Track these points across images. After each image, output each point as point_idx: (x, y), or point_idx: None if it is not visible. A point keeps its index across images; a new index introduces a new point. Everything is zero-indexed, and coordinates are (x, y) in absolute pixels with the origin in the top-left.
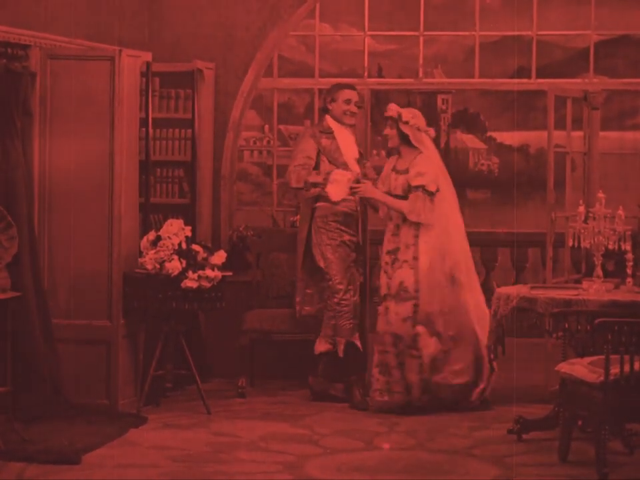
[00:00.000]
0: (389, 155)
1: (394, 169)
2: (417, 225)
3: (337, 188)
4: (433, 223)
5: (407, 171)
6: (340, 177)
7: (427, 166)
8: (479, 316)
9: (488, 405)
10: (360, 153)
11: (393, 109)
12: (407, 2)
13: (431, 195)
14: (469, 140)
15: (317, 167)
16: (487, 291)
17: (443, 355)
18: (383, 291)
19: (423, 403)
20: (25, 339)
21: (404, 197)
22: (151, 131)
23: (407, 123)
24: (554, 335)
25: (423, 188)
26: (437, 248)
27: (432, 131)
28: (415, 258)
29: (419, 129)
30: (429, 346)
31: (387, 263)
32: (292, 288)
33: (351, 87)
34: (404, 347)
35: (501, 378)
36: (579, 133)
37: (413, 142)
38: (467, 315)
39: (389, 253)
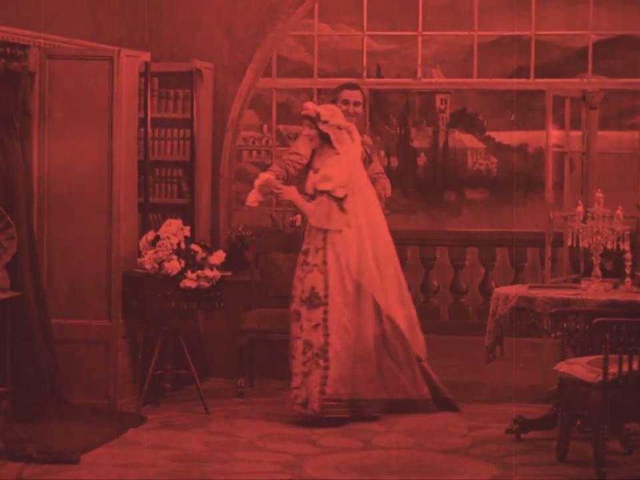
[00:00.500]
0: (368, 160)
1: (312, 168)
2: (325, 229)
3: (254, 192)
4: (340, 228)
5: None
6: (258, 181)
7: (337, 170)
8: (405, 324)
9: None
10: (367, 153)
11: (310, 108)
12: (406, 2)
13: (338, 200)
14: (467, 140)
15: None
16: (486, 291)
17: (350, 368)
18: (297, 294)
19: (324, 415)
20: (24, 338)
21: (313, 197)
22: (149, 130)
23: (326, 122)
24: (552, 334)
25: (328, 193)
26: (344, 253)
27: (352, 127)
28: (324, 262)
29: (339, 128)
30: (339, 357)
31: (299, 264)
32: (291, 287)
33: (352, 86)
34: (312, 355)
35: (500, 378)
36: (578, 133)
37: (334, 142)
38: (366, 327)
39: (302, 253)
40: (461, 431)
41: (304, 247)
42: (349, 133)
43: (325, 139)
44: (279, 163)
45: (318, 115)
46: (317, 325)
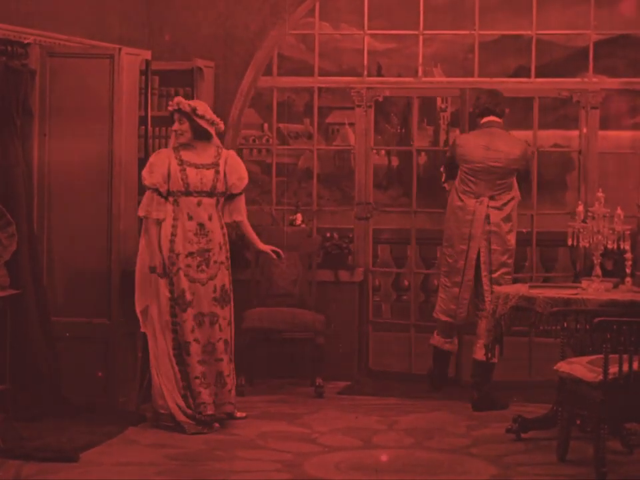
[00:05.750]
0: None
1: (187, 164)
2: (223, 224)
3: None
4: None
5: (214, 166)
6: None
7: (243, 166)
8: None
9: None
10: None
11: (183, 102)
12: (407, 1)
13: None
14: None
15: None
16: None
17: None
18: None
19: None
20: (23, 336)
21: (210, 193)
22: (150, 129)
23: (203, 117)
24: (553, 334)
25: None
26: None
27: (222, 124)
28: (228, 258)
29: (213, 123)
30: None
31: (189, 266)
32: (291, 286)
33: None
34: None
35: (500, 377)
36: (578, 132)
37: (215, 136)
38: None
39: (190, 255)
40: (460, 430)
41: (193, 248)
42: (219, 129)
43: (198, 134)
44: None
45: (194, 110)
46: (230, 322)
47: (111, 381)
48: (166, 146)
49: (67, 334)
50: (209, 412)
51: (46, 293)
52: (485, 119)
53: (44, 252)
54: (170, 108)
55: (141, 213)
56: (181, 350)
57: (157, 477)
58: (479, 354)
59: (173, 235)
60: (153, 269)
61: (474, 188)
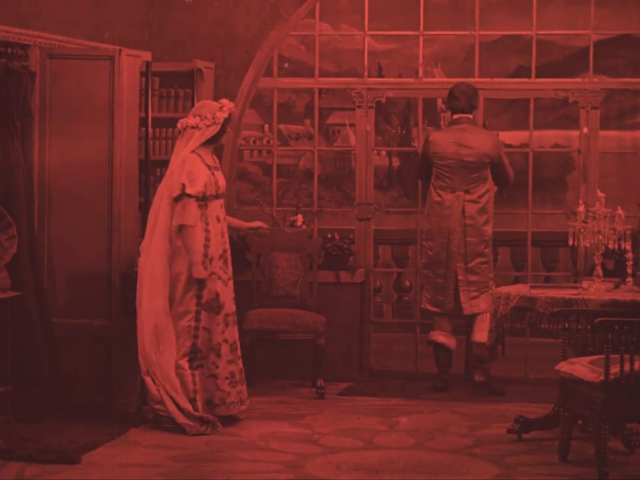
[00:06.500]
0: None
1: (211, 167)
2: None
3: None
4: None
5: (219, 167)
6: None
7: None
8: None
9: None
10: None
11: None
12: (407, 1)
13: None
14: None
15: None
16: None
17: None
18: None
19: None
20: (24, 338)
21: (224, 194)
22: (150, 130)
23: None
24: (554, 334)
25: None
26: None
27: None
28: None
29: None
30: None
31: (220, 268)
32: (292, 287)
33: None
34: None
35: (500, 376)
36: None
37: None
38: None
39: (220, 257)
40: (462, 430)
41: (220, 250)
42: None
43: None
44: None
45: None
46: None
47: (111, 382)
48: (167, 147)
49: (68, 335)
50: (236, 410)
51: (46, 295)
52: (456, 116)
53: (44, 253)
54: (226, 115)
55: (189, 222)
56: (196, 354)
57: (159, 477)
58: (478, 336)
59: (207, 239)
60: (201, 281)
61: (449, 183)
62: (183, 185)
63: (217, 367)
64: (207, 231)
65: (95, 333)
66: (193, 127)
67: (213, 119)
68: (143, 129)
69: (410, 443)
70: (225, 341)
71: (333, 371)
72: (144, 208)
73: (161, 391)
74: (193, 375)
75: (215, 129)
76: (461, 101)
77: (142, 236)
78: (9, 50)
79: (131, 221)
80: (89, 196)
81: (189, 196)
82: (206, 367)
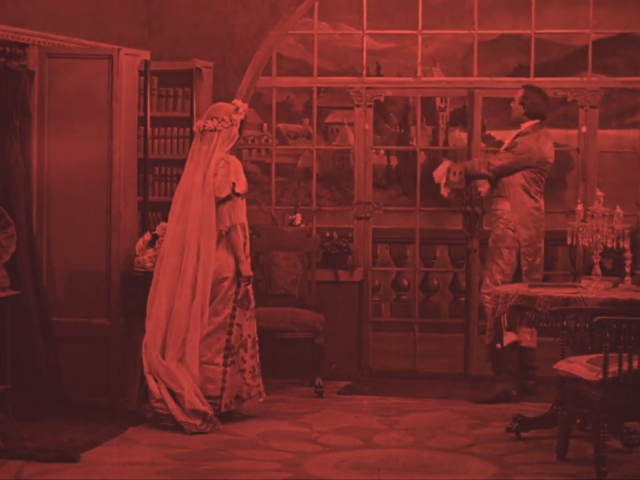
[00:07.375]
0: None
1: None
2: None
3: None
4: None
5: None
6: None
7: None
8: None
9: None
10: None
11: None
12: (406, 0)
13: None
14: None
15: None
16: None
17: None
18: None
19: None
20: (24, 337)
21: None
22: (149, 129)
23: None
24: (552, 333)
25: None
26: None
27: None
28: None
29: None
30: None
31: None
32: (291, 286)
33: None
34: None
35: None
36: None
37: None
38: None
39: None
40: (461, 429)
41: None
42: None
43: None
44: None
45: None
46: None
47: (110, 380)
48: (166, 146)
49: (67, 334)
50: (256, 403)
51: (46, 293)
52: (538, 120)
53: (43, 252)
54: (242, 116)
55: (242, 220)
56: (230, 350)
57: (158, 476)
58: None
59: (245, 237)
60: (248, 279)
61: (542, 188)
62: (234, 184)
63: (245, 361)
64: (244, 229)
65: (94, 331)
66: (211, 130)
67: (231, 120)
68: (142, 128)
69: (409, 441)
70: (249, 335)
71: (332, 369)
72: (143, 207)
73: (161, 388)
74: (225, 373)
75: (234, 131)
76: (547, 106)
77: (141, 235)
78: (8, 49)
79: (130, 220)
80: (87, 195)
81: (238, 195)
82: (236, 363)
